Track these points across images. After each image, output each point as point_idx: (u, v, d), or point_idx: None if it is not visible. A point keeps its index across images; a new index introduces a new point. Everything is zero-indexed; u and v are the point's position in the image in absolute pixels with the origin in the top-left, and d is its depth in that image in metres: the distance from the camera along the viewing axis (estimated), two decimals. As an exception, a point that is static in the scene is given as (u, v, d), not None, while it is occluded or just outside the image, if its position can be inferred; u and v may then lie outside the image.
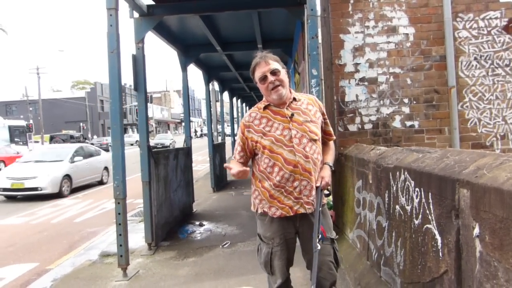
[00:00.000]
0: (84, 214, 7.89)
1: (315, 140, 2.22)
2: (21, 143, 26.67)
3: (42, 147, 19.91)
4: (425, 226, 2.10)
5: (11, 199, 10.16)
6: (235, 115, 16.85)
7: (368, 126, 4.53)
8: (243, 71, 10.18)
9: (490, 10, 4.41)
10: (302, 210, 2.19)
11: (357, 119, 4.53)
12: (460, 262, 1.73)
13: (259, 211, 2.28)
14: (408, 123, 4.50)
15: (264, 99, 2.32)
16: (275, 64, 2.20)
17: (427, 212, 2.07)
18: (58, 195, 9.95)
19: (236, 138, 2.33)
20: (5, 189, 9.83)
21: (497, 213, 1.42)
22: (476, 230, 1.56)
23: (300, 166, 2.15)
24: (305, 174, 2.16)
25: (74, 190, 10.82)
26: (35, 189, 9.66)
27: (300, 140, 2.17)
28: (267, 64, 2.18)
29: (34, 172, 9.90)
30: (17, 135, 27.12)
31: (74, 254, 5.16)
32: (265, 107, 2.25)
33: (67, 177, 10.45)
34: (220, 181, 10.07)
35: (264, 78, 2.18)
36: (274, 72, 2.17)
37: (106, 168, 12.48)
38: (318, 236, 2.06)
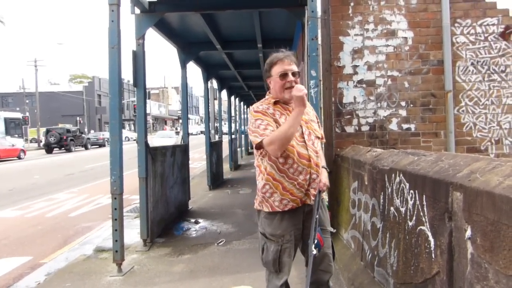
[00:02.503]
0: (79, 208, 7.87)
1: (319, 138, 2.35)
2: (17, 135, 26.58)
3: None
4: (418, 228, 2.14)
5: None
6: (232, 114, 16.87)
7: (365, 128, 4.57)
8: (242, 69, 10.21)
9: (488, 16, 4.46)
10: (308, 201, 2.26)
11: (354, 121, 4.57)
12: (452, 263, 1.76)
13: (266, 210, 2.27)
14: (405, 126, 4.55)
15: (269, 96, 2.37)
16: (296, 68, 2.31)
17: (421, 214, 2.10)
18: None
19: (249, 125, 2.31)
20: None
21: (488, 216, 1.45)
22: (468, 233, 1.59)
23: (312, 160, 2.23)
24: (315, 168, 2.25)
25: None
26: None
27: (309, 137, 2.27)
28: (291, 63, 2.28)
29: None
30: (13, 127, 27.03)
31: (69, 249, 5.14)
32: (275, 102, 2.31)
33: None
34: (216, 179, 10.08)
35: (285, 75, 2.25)
36: (294, 74, 2.27)
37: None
38: (314, 242, 2.09)
